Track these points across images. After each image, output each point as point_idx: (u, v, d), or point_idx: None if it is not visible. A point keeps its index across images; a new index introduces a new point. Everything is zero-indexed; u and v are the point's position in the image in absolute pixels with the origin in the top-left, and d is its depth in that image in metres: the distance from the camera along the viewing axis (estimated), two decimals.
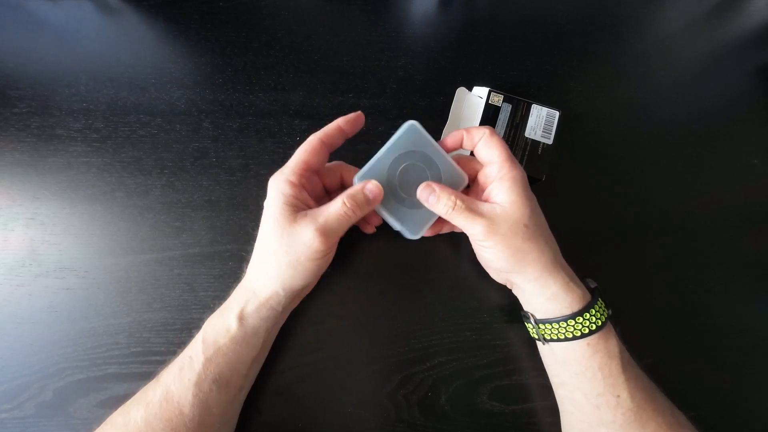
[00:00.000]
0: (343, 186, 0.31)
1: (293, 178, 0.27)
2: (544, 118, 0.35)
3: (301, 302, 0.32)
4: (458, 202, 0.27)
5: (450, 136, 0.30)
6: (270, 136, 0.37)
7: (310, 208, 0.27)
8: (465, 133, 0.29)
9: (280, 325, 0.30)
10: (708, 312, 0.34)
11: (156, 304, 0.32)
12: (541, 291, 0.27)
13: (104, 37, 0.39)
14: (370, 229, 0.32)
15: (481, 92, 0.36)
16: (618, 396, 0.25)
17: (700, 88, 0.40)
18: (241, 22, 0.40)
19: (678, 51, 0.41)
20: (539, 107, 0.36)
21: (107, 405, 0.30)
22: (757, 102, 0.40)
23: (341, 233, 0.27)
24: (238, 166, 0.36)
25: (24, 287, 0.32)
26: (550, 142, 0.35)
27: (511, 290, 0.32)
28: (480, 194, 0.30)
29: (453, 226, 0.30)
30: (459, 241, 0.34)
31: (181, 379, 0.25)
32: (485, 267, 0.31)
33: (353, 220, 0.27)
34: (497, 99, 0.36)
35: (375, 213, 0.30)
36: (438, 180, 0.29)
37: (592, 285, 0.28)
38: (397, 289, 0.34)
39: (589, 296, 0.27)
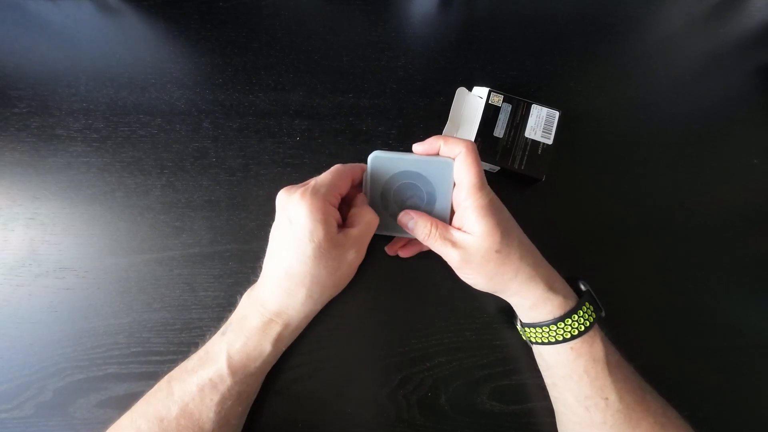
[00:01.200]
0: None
1: (333, 200, 0.27)
2: (544, 118, 0.35)
3: None
4: (433, 229, 0.28)
5: (426, 143, 0.29)
6: (270, 136, 0.37)
7: (339, 226, 0.28)
8: (443, 143, 0.28)
9: None
10: (708, 312, 0.34)
11: (156, 304, 0.32)
12: (522, 302, 0.28)
13: (104, 37, 0.39)
14: None
15: (481, 92, 0.36)
16: (606, 398, 0.25)
17: (700, 88, 0.40)
18: (241, 22, 0.40)
19: (678, 51, 0.41)
20: (539, 107, 0.36)
21: (107, 405, 0.30)
22: (757, 102, 0.40)
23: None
24: (238, 166, 0.36)
25: (24, 287, 0.32)
26: (550, 142, 0.35)
27: None
28: (452, 216, 0.30)
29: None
30: None
31: (202, 399, 0.25)
32: None
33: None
34: (497, 99, 0.36)
35: None
36: (428, 212, 0.30)
37: (584, 288, 0.28)
38: (398, 289, 0.34)
39: (574, 301, 0.27)
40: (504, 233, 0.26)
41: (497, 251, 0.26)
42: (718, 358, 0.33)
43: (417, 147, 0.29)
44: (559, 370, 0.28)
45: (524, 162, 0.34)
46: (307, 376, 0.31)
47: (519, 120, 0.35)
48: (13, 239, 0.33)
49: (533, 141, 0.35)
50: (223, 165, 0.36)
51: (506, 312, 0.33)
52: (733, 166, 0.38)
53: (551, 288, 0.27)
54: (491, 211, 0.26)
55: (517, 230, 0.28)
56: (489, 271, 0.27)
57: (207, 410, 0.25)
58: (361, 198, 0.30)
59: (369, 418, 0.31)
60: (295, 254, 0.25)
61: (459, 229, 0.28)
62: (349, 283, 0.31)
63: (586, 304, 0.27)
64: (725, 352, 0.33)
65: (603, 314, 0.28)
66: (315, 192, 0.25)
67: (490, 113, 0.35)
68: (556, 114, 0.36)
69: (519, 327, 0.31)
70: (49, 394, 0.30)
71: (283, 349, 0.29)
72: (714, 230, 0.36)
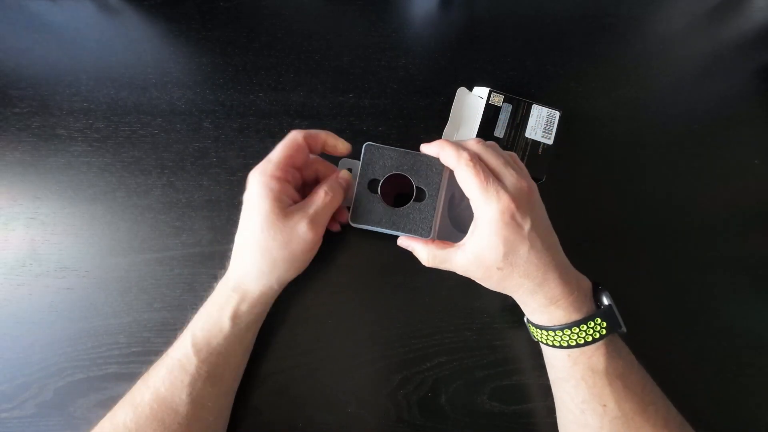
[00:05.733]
0: (317, 180, 0.32)
1: (279, 174, 0.27)
2: (545, 118, 0.36)
3: (302, 302, 0.33)
4: (430, 259, 0.29)
5: (432, 145, 0.29)
6: (270, 137, 0.37)
7: (295, 201, 0.28)
8: (440, 150, 0.28)
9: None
10: (707, 312, 0.34)
11: (156, 303, 0.32)
12: (525, 307, 0.29)
13: (104, 37, 0.39)
14: (335, 227, 0.32)
15: (481, 92, 0.36)
16: (604, 405, 0.25)
17: (700, 88, 0.40)
18: (241, 22, 0.40)
19: (678, 51, 0.41)
20: (539, 107, 0.36)
21: (107, 405, 0.30)
22: (757, 102, 0.40)
23: (327, 221, 0.29)
24: (239, 166, 0.36)
25: (24, 287, 0.32)
26: (550, 142, 0.35)
27: None
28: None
29: None
30: None
31: (172, 381, 0.25)
32: None
33: (335, 207, 0.29)
34: (498, 99, 0.36)
35: (341, 210, 0.31)
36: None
37: (607, 301, 0.27)
38: (397, 289, 0.34)
39: (581, 314, 0.26)
40: (510, 250, 0.25)
41: (499, 268, 0.26)
42: (717, 358, 0.33)
43: (424, 147, 0.30)
44: (556, 371, 0.28)
45: (525, 162, 0.34)
46: (306, 376, 0.31)
47: (519, 120, 0.35)
48: (14, 239, 0.33)
49: (534, 141, 0.35)
50: (223, 165, 0.36)
51: (507, 312, 0.33)
52: (733, 166, 0.38)
53: (554, 302, 0.26)
54: (498, 223, 0.25)
55: (529, 242, 0.25)
56: (492, 282, 0.28)
57: (179, 392, 0.25)
58: (331, 176, 0.30)
59: (369, 418, 0.31)
60: (246, 229, 0.27)
61: (450, 246, 0.28)
62: (346, 280, 0.31)
63: (597, 320, 0.25)
64: (725, 353, 0.33)
65: (623, 330, 0.26)
66: (262, 170, 0.27)
67: (490, 113, 0.35)
68: (557, 114, 0.36)
69: (525, 320, 0.30)
70: (50, 394, 0.30)
71: (247, 328, 0.28)
72: (714, 230, 0.36)
